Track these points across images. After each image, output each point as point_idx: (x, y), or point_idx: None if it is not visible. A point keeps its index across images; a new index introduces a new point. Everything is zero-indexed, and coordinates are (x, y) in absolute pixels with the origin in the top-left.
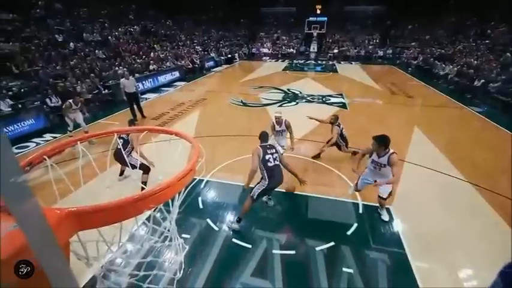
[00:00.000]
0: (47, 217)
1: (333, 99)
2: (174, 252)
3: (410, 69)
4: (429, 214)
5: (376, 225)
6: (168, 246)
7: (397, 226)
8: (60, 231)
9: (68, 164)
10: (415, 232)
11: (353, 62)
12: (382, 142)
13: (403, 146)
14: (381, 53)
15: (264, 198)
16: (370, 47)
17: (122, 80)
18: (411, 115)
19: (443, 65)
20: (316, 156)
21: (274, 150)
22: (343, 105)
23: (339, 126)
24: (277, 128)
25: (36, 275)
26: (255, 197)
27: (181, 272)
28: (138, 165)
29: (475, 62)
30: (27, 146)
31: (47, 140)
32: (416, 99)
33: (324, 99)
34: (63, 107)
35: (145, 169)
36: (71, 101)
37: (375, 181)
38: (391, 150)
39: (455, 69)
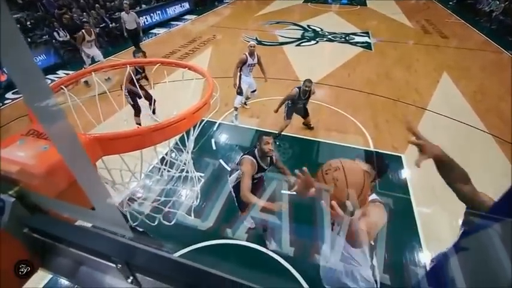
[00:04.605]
0: None
1: (357, 38)
2: (191, 183)
3: (451, 3)
4: None
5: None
6: (185, 178)
7: (406, 174)
8: (88, 153)
9: (84, 100)
10: (423, 181)
11: None
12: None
13: (427, 93)
14: None
15: None
16: None
17: (122, 14)
18: (442, 59)
19: (490, 0)
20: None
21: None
22: (367, 46)
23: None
24: (250, 61)
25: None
26: None
27: (198, 200)
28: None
29: None
30: None
31: (61, 78)
32: (451, 40)
33: (347, 38)
34: (77, 38)
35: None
36: (83, 30)
37: None
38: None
39: (502, 5)
